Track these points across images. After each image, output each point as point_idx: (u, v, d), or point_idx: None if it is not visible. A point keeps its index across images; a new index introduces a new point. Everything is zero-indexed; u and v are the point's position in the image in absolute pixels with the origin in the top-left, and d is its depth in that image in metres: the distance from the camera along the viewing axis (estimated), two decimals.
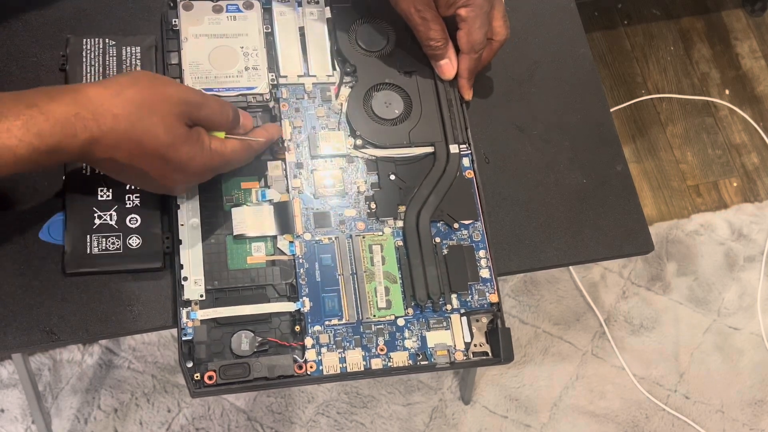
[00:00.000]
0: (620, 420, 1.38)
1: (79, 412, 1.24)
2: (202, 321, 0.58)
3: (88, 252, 0.59)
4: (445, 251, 0.64)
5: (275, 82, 0.66)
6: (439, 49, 0.67)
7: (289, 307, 0.59)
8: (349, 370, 0.58)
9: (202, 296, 0.58)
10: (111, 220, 0.60)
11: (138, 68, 0.65)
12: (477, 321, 0.62)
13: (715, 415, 1.41)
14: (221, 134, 0.58)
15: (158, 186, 0.57)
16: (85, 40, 0.65)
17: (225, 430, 1.27)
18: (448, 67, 0.68)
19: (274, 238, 0.61)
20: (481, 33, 0.66)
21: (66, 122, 0.50)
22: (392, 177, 0.65)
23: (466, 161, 0.67)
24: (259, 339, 0.58)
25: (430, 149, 0.67)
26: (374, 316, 0.60)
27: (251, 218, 0.61)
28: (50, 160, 0.50)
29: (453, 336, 0.61)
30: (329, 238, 0.62)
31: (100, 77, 0.64)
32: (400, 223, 0.64)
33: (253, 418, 1.28)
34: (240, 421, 1.27)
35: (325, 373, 0.58)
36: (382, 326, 0.60)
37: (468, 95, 0.69)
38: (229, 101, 0.64)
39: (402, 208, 0.64)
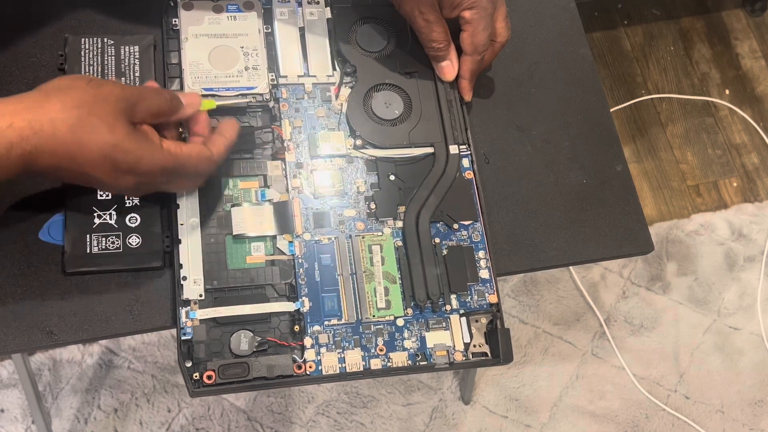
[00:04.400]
0: (620, 420, 1.38)
1: (79, 412, 1.24)
2: (201, 320, 0.58)
3: (88, 251, 0.59)
4: (445, 252, 0.64)
5: (275, 82, 0.66)
6: (442, 50, 0.67)
7: (288, 306, 0.59)
8: (348, 371, 0.58)
9: (201, 296, 0.58)
10: (111, 219, 0.60)
11: (136, 68, 0.65)
12: (476, 321, 0.62)
13: (715, 415, 1.41)
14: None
15: (117, 188, 0.54)
16: (83, 39, 0.65)
17: (225, 430, 1.27)
18: (449, 68, 0.68)
19: (274, 237, 0.61)
20: (485, 35, 0.66)
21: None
22: (392, 177, 0.65)
23: (465, 162, 0.67)
24: (258, 339, 0.58)
25: (429, 150, 0.67)
26: (373, 316, 0.60)
27: (251, 218, 0.61)
28: None
29: (452, 336, 0.61)
30: (329, 238, 0.62)
31: (99, 76, 0.64)
32: (399, 224, 0.64)
33: (253, 418, 1.28)
34: (240, 421, 1.27)
35: (324, 373, 0.58)
36: (381, 326, 0.60)
37: (468, 96, 0.69)
38: (229, 100, 0.64)
39: (402, 209, 0.64)
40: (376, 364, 0.59)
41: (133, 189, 0.54)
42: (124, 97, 0.52)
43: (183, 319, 0.57)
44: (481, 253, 0.64)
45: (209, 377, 0.56)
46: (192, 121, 0.58)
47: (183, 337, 0.57)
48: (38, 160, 0.49)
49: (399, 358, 0.60)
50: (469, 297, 0.63)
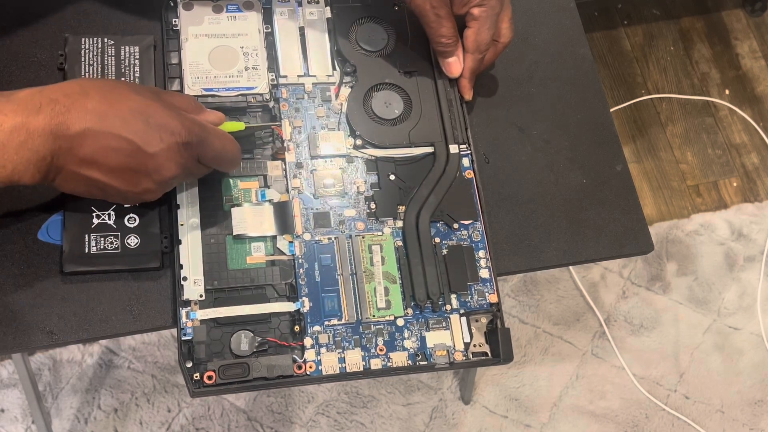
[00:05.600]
0: (620, 420, 1.38)
1: (79, 412, 1.24)
2: (201, 321, 0.58)
3: (86, 251, 0.59)
4: (445, 251, 0.64)
5: (275, 82, 0.66)
6: (450, 46, 0.67)
7: (288, 307, 0.59)
8: (348, 371, 0.58)
9: (201, 296, 0.58)
10: (109, 219, 0.60)
11: (136, 68, 0.65)
12: (476, 321, 0.62)
13: (715, 415, 1.41)
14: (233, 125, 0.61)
15: (146, 155, 0.52)
16: (83, 39, 0.65)
17: (225, 430, 1.27)
18: (456, 64, 0.68)
19: (274, 238, 0.61)
20: (489, 34, 0.66)
21: (29, 99, 0.49)
22: (392, 177, 0.65)
23: (465, 161, 0.67)
24: (259, 339, 0.58)
25: (429, 149, 0.67)
26: (374, 316, 0.60)
27: (251, 218, 0.61)
28: (16, 146, 0.48)
29: (452, 336, 0.61)
30: (329, 238, 0.62)
31: (99, 77, 0.64)
32: (399, 224, 0.64)
33: (253, 418, 1.28)
34: (240, 421, 1.27)
35: (324, 373, 0.58)
36: (381, 326, 0.60)
37: (468, 95, 0.69)
38: (228, 101, 0.64)
39: (402, 208, 0.64)
40: (376, 364, 0.59)
41: (164, 156, 0.53)
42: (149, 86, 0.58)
43: (183, 319, 0.57)
44: (481, 253, 0.64)
45: (210, 377, 0.56)
46: None
47: (183, 338, 0.57)
48: (68, 123, 0.50)
49: (399, 358, 0.60)
50: (469, 297, 0.63)
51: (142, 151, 0.52)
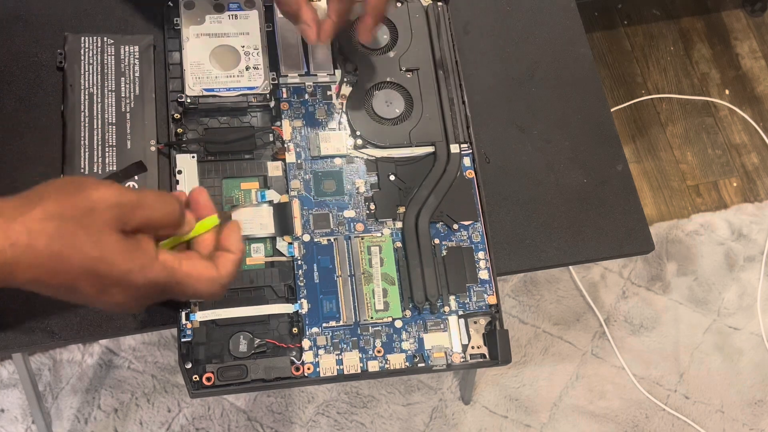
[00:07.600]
0: (620, 420, 1.38)
1: (79, 412, 1.24)
2: (201, 322, 0.58)
3: None
4: (444, 253, 0.63)
5: (276, 82, 0.66)
6: (292, 8, 0.60)
7: (287, 308, 0.59)
8: (346, 372, 0.58)
9: None
10: None
11: (136, 68, 0.64)
12: (475, 323, 0.62)
13: (715, 415, 1.41)
14: (170, 242, 0.51)
15: (108, 304, 0.47)
16: (83, 38, 0.65)
17: (225, 430, 1.27)
18: (309, 31, 0.61)
19: (273, 239, 0.61)
20: None
21: None
22: (392, 177, 0.65)
23: (466, 161, 0.67)
24: (257, 340, 0.58)
25: (430, 149, 0.67)
26: (372, 318, 0.60)
27: (251, 219, 0.61)
28: None
29: (450, 338, 0.61)
30: (328, 240, 0.62)
31: (98, 76, 0.63)
32: (399, 225, 0.64)
33: (253, 418, 1.28)
34: (240, 421, 1.27)
35: (322, 374, 0.58)
36: (379, 328, 0.60)
37: (365, 38, 0.63)
38: (229, 101, 0.64)
39: (401, 209, 0.64)
40: (373, 366, 0.59)
41: (126, 304, 0.47)
42: (117, 204, 0.46)
43: (183, 320, 0.57)
44: (480, 254, 0.64)
45: (208, 379, 0.56)
46: (194, 240, 0.52)
47: (183, 339, 0.57)
48: (16, 273, 0.43)
49: (397, 360, 0.60)
50: (468, 298, 0.63)
51: (102, 303, 0.47)
